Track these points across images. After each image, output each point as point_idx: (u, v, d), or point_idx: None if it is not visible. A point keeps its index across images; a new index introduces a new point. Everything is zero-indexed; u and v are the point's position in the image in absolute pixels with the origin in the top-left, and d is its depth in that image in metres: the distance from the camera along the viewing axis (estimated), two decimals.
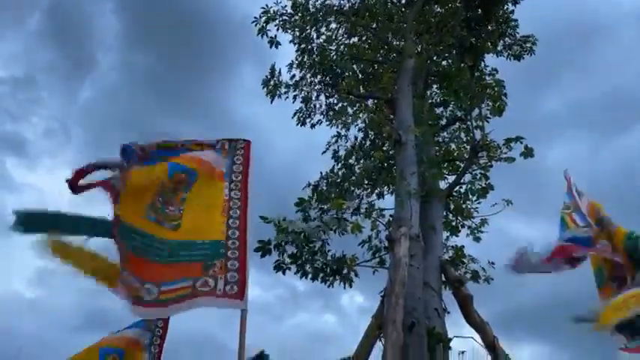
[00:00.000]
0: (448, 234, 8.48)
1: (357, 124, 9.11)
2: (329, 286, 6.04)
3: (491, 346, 5.84)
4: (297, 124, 9.23)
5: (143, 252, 2.94)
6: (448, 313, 6.40)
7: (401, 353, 4.69)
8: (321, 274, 5.78)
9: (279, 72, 9.16)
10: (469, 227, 8.45)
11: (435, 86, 10.10)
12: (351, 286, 6.08)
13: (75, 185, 3.02)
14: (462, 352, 5.81)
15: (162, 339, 5.16)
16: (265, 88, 9.00)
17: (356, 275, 6.14)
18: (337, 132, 9.09)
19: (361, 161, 8.30)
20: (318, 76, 9.62)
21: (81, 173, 3.02)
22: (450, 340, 5.77)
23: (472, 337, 5.98)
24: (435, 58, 9.79)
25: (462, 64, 9.01)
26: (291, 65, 9.59)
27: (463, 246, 8.16)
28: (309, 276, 5.71)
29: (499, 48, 9.53)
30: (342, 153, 8.81)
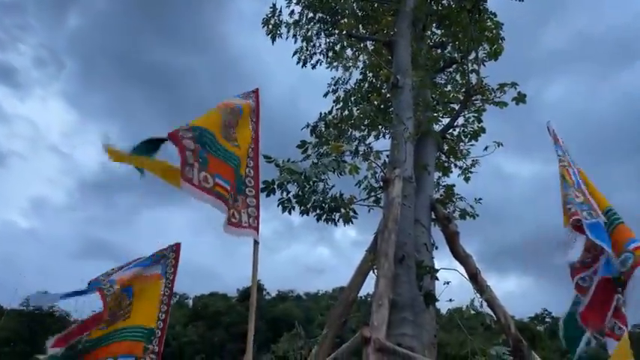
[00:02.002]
0: (440, 174, 8.91)
1: (357, 67, 9.22)
2: (331, 223, 6.50)
3: (473, 277, 6.45)
4: (298, 64, 9.30)
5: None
6: (436, 248, 6.93)
7: (392, 282, 5.25)
8: (320, 212, 6.24)
9: (280, 11, 9.11)
10: (460, 167, 8.87)
11: (433, 26, 10.10)
12: (352, 223, 6.55)
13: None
14: (447, 283, 6.38)
15: (175, 268, 5.69)
16: (265, 28, 8.99)
17: (355, 213, 6.59)
18: (337, 77, 9.18)
19: (360, 104, 8.50)
20: (318, 14, 9.59)
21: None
22: (437, 271, 6.32)
23: (456, 270, 6.54)
24: None
25: (462, 5, 8.99)
26: (290, 0, 9.51)
27: (454, 185, 8.61)
28: (313, 215, 6.17)
29: None
30: (340, 94, 8.98)
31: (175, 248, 5.61)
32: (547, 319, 57.64)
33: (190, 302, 57.00)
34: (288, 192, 5.77)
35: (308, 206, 6.05)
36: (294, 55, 9.40)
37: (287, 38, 9.33)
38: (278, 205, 5.88)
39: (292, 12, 9.52)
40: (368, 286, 6.51)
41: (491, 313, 6.15)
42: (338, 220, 6.75)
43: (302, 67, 9.26)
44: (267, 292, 56.46)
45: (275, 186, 5.58)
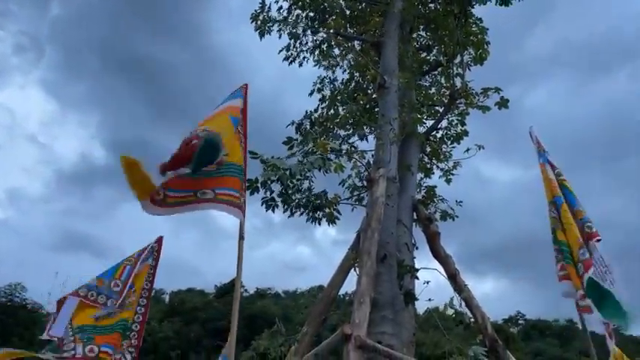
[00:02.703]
0: (422, 175, 9.01)
1: (343, 66, 9.25)
2: (315, 223, 6.54)
3: (452, 277, 6.55)
4: (284, 61, 9.28)
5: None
6: (417, 247, 7.02)
7: (373, 280, 5.30)
8: (304, 211, 6.26)
9: (269, 7, 9.08)
10: (442, 169, 8.98)
11: (421, 27, 10.18)
12: (335, 223, 6.58)
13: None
14: (427, 282, 6.47)
15: (156, 261, 5.69)
16: (254, 24, 8.96)
17: (339, 213, 6.63)
18: (323, 76, 9.21)
19: (346, 103, 8.54)
20: (306, 12, 9.59)
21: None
22: (417, 270, 6.41)
23: (436, 269, 6.63)
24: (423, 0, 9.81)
25: (449, 9, 9.09)
26: None
27: (435, 186, 8.71)
28: (298, 215, 6.20)
29: None
30: (326, 92, 8.99)
31: (158, 241, 5.62)
32: (520, 322, 58.80)
33: (167, 298, 56.47)
34: (272, 191, 5.78)
35: (291, 204, 6.06)
36: (280, 51, 9.39)
37: (271, 33, 9.29)
38: (262, 204, 5.88)
39: (280, 8, 9.51)
40: (346, 285, 6.59)
41: (469, 313, 6.26)
42: (321, 220, 6.80)
43: (289, 64, 9.25)
44: (246, 289, 56.26)
45: (259, 184, 5.57)
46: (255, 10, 9.05)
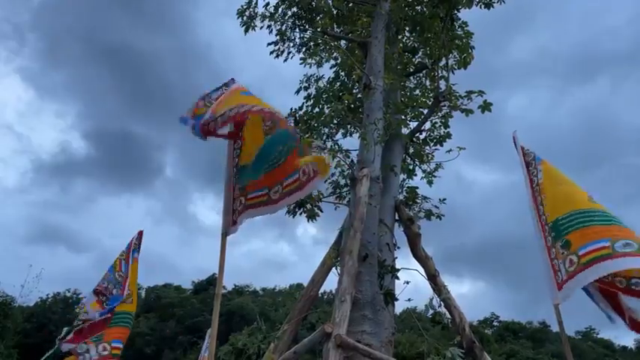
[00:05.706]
0: (404, 176, 9.05)
1: (329, 65, 9.23)
2: (291, 216, 6.55)
3: (432, 278, 6.63)
4: (271, 54, 9.22)
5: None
6: (398, 248, 7.06)
7: (355, 279, 5.32)
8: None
9: (256, 2, 9.02)
10: (424, 171, 9.02)
11: (407, 29, 10.21)
12: (315, 220, 6.58)
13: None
14: (407, 282, 6.52)
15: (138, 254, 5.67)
16: (240, 19, 8.89)
17: (320, 210, 6.63)
18: (310, 74, 9.20)
19: (331, 102, 8.55)
20: (293, 9, 9.54)
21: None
22: (398, 271, 6.46)
23: (417, 270, 6.69)
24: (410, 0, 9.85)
25: (436, 12, 9.14)
26: None
27: (417, 187, 8.74)
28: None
29: None
30: (312, 91, 8.97)
31: (139, 235, 5.61)
32: (495, 323, 59.72)
33: (143, 293, 55.73)
34: None
35: None
36: (269, 44, 9.32)
37: (261, 28, 9.24)
38: None
39: (267, 4, 9.44)
40: (325, 284, 6.60)
41: (448, 314, 6.34)
42: (300, 214, 6.79)
43: (275, 57, 9.20)
44: (224, 286, 55.77)
45: None
46: (242, 6, 8.99)
